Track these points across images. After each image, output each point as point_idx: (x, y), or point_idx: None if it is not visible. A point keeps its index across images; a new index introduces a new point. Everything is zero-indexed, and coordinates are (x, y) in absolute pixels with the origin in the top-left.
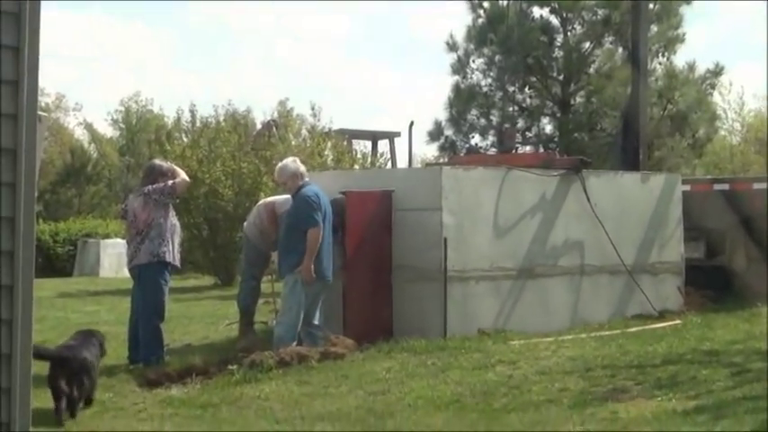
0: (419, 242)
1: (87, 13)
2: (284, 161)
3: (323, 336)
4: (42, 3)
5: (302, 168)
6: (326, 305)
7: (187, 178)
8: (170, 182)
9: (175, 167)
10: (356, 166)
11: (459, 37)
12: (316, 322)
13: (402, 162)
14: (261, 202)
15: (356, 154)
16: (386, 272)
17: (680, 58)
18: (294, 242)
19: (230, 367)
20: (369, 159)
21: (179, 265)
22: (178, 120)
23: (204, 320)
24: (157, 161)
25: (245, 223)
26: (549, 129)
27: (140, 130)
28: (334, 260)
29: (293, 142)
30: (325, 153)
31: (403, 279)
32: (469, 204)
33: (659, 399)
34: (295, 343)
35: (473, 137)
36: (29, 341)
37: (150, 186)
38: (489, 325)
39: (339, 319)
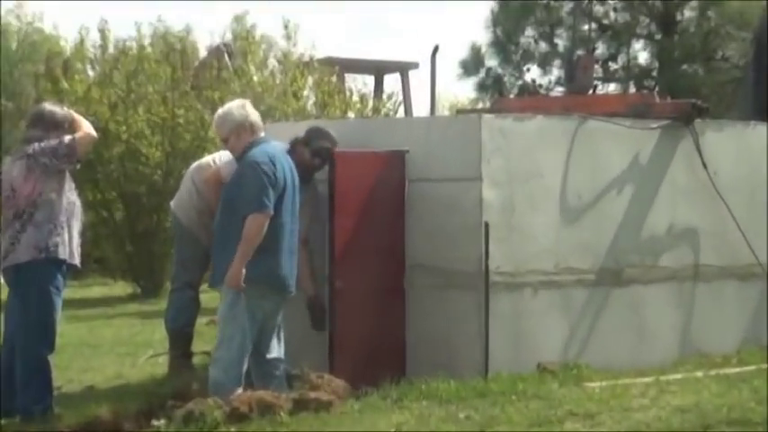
0: (446, 230)
1: None
2: (227, 105)
3: (288, 374)
4: None
5: (254, 117)
6: (301, 327)
7: (93, 132)
8: (66, 138)
9: (75, 116)
10: (351, 114)
11: None
12: (273, 355)
13: (420, 108)
14: (195, 164)
15: (351, 95)
16: (395, 276)
17: None
18: (235, 232)
19: (156, 423)
20: (369, 103)
21: (79, 265)
22: (81, 43)
23: (116, 350)
24: (48, 106)
25: (173, 201)
26: (643, 57)
27: (24, 58)
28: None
29: (255, 77)
30: (305, 94)
31: (420, 287)
32: (524, 172)
33: None
34: (241, 388)
35: (528, 69)
36: None
37: (37, 145)
38: (554, 357)
39: (323, 347)
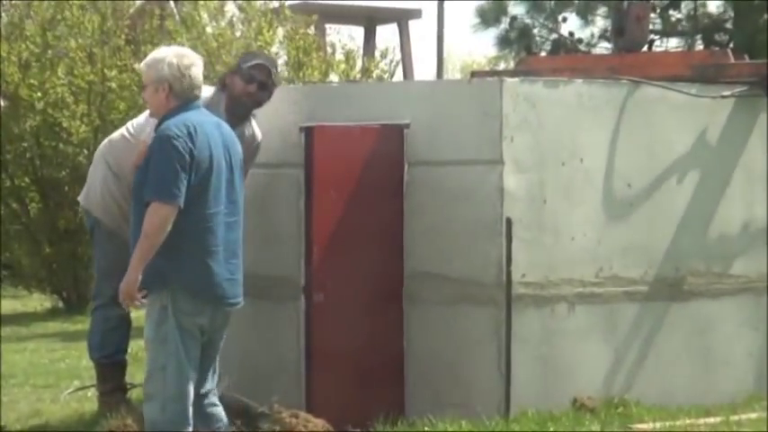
0: (457, 228)
1: None
2: (163, 50)
3: (255, 412)
4: None
5: (186, 75)
6: (271, 351)
7: None
8: None
9: None
10: (333, 77)
11: None
12: (206, 388)
13: (424, 69)
14: (105, 141)
15: (334, 52)
16: (391, 287)
17: None
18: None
19: None
20: (357, 63)
21: None
22: None
23: (32, 381)
24: None
25: (81, 195)
26: (714, 5)
27: None
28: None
29: (209, 29)
30: (273, 50)
31: (423, 300)
32: (557, 153)
33: None
34: (189, 428)
35: (565, 20)
36: None
37: None
38: (595, 391)
39: (298, 377)
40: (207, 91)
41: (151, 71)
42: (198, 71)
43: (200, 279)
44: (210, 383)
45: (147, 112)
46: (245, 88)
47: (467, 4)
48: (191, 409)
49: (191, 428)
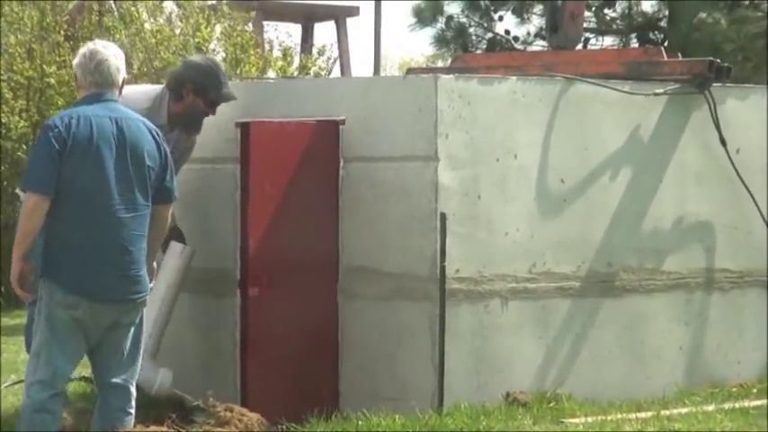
0: (392, 223)
1: None
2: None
3: (189, 405)
4: None
5: (100, 65)
6: (208, 346)
7: None
8: None
9: None
10: (271, 73)
11: None
12: (115, 379)
13: (361, 66)
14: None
15: (271, 49)
16: (325, 282)
17: None
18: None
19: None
20: (295, 60)
21: None
22: None
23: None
24: None
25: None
26: (648, 3)
27: None
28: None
29: (148, 25)
30: (211, 47)
31: (358, 295)
32: (492, 149)
33: None
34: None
35: (501, 18)
36: None
37: None
38: (528, 385)
39: (233, 371)
40: (150, 89)
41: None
42: (110, 67)
43: (75, 272)
44: (123, 376)
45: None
46: (206, 110)
47: (404, 3)
48: (58, 399)
49: (50, 416)
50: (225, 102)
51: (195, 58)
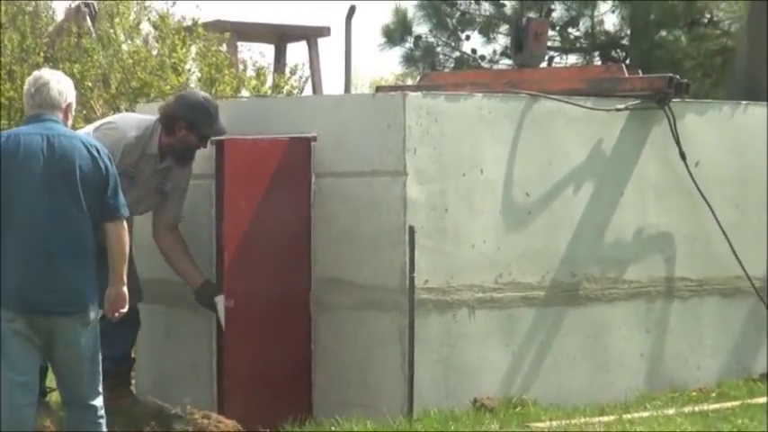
0: (362, 236)
1: None
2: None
3: (166, 413)
4: None
5: (41, 89)
6: (185, 355)
7: None
8: None
9: None
10: (245, 92)
11: None
12: (73, 397)
13: (333, 85)
14: None
15: (245, 68)
16: (298, 293)
17: None
18: None
19: None
20: (268, 79)
21: None
22: None
23: None
24: None
25: None
26: (611, 22)
27: None
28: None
29: (125, 46)
30: (187, 67)
31: (331, 306)
32: (458, 164)
33: None
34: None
35: (468, 38)
36: None
37: None
38: (495, 391)
39: (210, 380)
40: (142, 119)
41: None
42: (51, 90)
43: (7, 285)
44: (81, 393)
45: (87, 127)
46: (198, 144)
47: (374, 23)
48: (15, 417)
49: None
50: (216, 136)
51: (188, 93)
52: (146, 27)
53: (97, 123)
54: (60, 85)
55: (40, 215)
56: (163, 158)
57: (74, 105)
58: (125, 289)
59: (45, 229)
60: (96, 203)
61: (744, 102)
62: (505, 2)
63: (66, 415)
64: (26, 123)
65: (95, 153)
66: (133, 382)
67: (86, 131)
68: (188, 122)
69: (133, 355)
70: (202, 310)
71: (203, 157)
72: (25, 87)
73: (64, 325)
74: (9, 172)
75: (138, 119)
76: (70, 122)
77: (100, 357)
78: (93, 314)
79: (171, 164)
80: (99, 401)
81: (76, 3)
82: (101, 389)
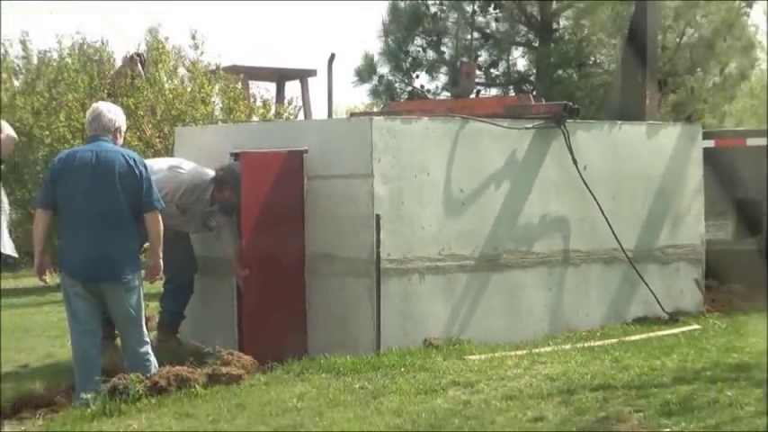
0: (342, 222)
1: None
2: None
3: (201, 351)
4: None
5: (95, 119)
6: (214, 309)
7: (13, 133)
8: None
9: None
10: (255, 118)
11: None
12: (125, 344)
13: (319, 111)
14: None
15: (255, 100)
16: (296, 263)
17: None
18: None
19: (84, 396)
20: (272, 108)
21: (13, 254)
22: (5, 56)
23: (47, 333)
24: None
25: None
26: (522, 64)
27: None
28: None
29: (167, 85)
30: (212, 99)
31: (321, 273)
32: (411, 169)
33: (668, 429)
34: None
35: (417, 76)
36: None
37: None
38: (439, 334)
39: (232, 328)
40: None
41: None
42: (102, 118)
43: (63, 259)
44: (130, 340)
45: (164, 160)
46: (236, 202)
47: (349, 65)
48: (85, 357)
49: (78, 368)
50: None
51: (235, 167)
52: (181, 71)
53: (172, 162)
54: (110, 114)
55: (89, 209)
56: (212, 204)
57: (123, 128)
58: (160, 261)
59: (92, 219)
60: (135, 199)
61: (619, 121)
62: (444, 50)
63: (125, 357)
64: (86, 143)
65: (132, 163)
66: (178, 330)
67: (162, 164)
68: (232, 187)
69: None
70: (228, 278)
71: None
72: (86, 116)
73: (110, 288)
74: (67, 179)
75: (199, 171)
76: (120, 141)
77: (143, 314)
78: (134, 282)
79: (216, 209)
80: (145, 348)
81: (131, 53)
82: (146, 338)
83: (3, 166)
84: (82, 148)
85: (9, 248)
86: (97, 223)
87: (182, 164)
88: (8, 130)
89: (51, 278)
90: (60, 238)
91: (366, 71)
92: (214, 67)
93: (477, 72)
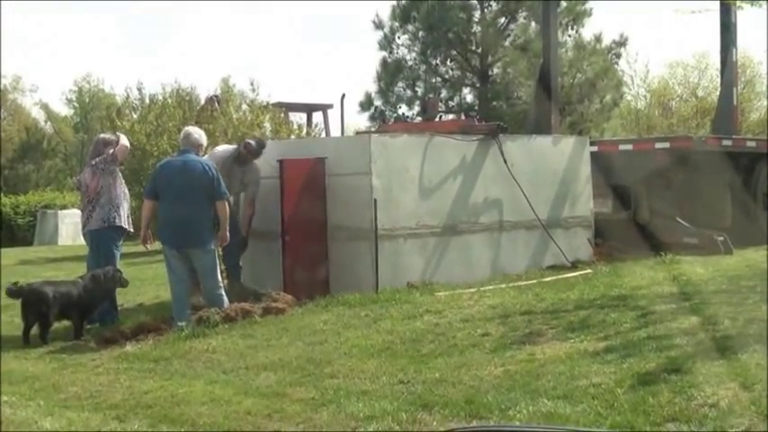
0: (351, 204)
1: None
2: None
3: (258, 292)
4: None
5: (184, 137)
6: (267, 265)
7: (127, 144)
8: (110, 150)
9: (120, 134)
10: (292, 137)
11: (385, 16)
12: (204, 287)
13: (335, 132)
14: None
15: (292, 125)
16: (322, 232)
17: (587, 31)
18: None
19: (179, 324)
20: (304, 130)
21: (131, 230)
22: (127, 98)
23: (155, 282)
24: (103, 135)
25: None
26: (469, 98)
27: (93, 108)
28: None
29: (234, 116)
30: (264, 125)
31: (338, 238)
32: (396, 168)
33: (572, 341)
34: (188, 311)
35: (400, 107)
36: None
37: (98, 158)
38: (417, 279)
39: (279, 277)
40: (230, 148)
41: None
42: (190, 137)
43: (161, 233)
44: (207, 285)
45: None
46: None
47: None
48: (179, 298)
49: (175, 305)
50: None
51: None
52: (244, 106)
53: (218, 149)
54: (196, 135)
55: (179, 199)
56: (241, 165)
57: (204, 146)
58: (227, 233)
59: (181, 205)
60: (209, 192)
61: (534, 135)
62: (417, 89)
63: (204, 296)
64: (178, 155)
65: (207, 168)
66: (242, 278)
67: (215, 151)
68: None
69: (241, 264)
70: (276, 241)
71: (273, 168)
72: (180, 136)
73: (194, 252)
74: (165, 178)
75: (227, 148)
76: (201, 153)
77: (218, 268)
78: (210, 247)
79: (245, 168)
80: (219, 291)
81: (210, 95)
82: (221, 284)
83: (122, 166)
84: (174, 158)
85: (129, 225)
86: (184, 208)
87: (218, 148)
88: (124, 141)
89: (152, 246)
90: (160, 219)
91: (366, 104)
92: (265, 104)
93: (439, 104)
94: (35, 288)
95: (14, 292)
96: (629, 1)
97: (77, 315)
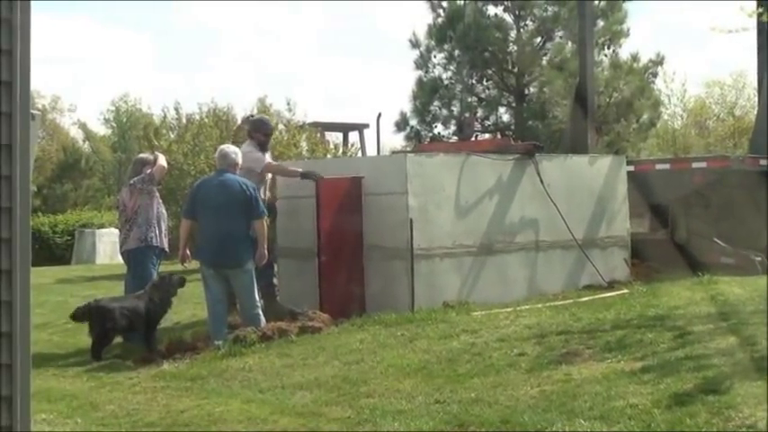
0: (387, 223)
1: (72, 17)
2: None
3: (294, 312)
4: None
5: (221, 157)
6: (302, 284)
7: (164, 163)
8: (148, 170)
9: (158, 154)
10: (329, 156)
11: (421, 35)
12: (241, 308)
13: (371, 151)
14: None
15: (329, 145)
16: (358, 252)
17: (624, 50)
18: None
19: (216, 342)
20: (340, 149)
21: (167, 249)
22: (164, 117)
23: (192, 300)
24: (141, 155)
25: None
26: (505, 117)
27: (130, 127)
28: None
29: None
30: (301, 144)
31: (374, 258)
32: (432, 187)
33: (609, 360)
34: (225, 329)
35: (436, 126)
36: (27, 321)
37: (136, 177)
38: (453, 298)
39: (316, 296)
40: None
41: None
42: (226, 156)
43: (200, 252)
44: (244, 306)
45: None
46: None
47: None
48: (217, 317)
49: (212, 324)
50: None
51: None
52: (280, 126)
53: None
54: (232, 154)
55: (217, 218)
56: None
57: (240, 164)
58: (266, 252)
59: (219, 225)
60: (246, 211)
61: (570, 154)
62: (453, 108)
63: (241, 315)
64: (215, 174)
65: (244, 187)
66: (278, 297)
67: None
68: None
69: (275, 282)
70: (312, 261)
71: (310, 187)
72: (216, 155)
73: (232, 272)
74: (203, 198)
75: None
76: (237, 172)
77: (255, 288)
78: (248, 266)
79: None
80: (256, 310)
81: (247, 114)
82: (257, 303)
83: (159, 186)
84: (211, 177)
85: (165, 245)
86: (222, 227)
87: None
88: (161, 160)
89: (190, 264)
90: (198, 238)
91: (401, 124)
92: (302, 123)
93: (476, 123)
94: (102, 305)
95: (82, 312)
96: (666, 19)
97: (147, 326)
